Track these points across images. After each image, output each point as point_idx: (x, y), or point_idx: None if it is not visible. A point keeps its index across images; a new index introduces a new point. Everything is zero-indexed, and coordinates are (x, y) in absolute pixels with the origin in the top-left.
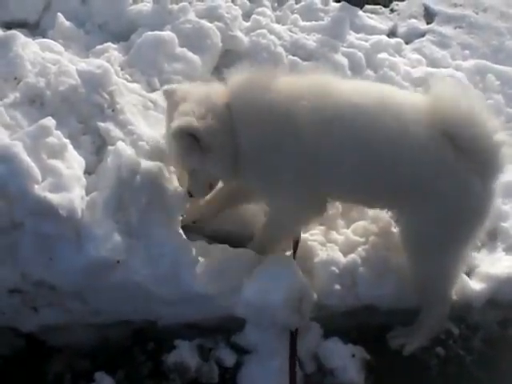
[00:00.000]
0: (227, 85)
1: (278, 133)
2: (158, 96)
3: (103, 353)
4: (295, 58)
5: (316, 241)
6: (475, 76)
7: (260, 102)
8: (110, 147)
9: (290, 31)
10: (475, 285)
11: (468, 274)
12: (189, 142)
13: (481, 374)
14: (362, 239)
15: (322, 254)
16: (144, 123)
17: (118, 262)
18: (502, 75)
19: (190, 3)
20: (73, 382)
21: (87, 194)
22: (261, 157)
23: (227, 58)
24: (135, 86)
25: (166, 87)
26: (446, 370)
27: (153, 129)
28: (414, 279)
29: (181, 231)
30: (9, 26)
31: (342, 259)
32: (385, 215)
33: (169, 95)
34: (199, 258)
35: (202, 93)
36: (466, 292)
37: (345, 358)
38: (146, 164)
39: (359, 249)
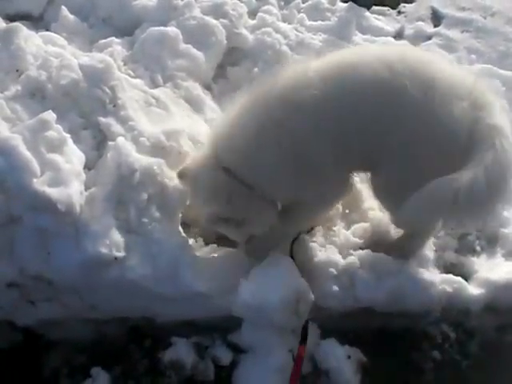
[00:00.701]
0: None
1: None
2: (160, 92)
3: (100, 348)
4: (300, 57)
5: (315, 242)
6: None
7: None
8: (110, 143)
9: (296, 30)
10: (473, 290)
11: (466, 279)
12: None
13: (477, 379)
14: (362, 241)
15: (320, 255)
16: (145, 119)
17: (116, 258)
18: (508, 81)
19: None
20: (69, 376)
21: (86, 189)
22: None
23: (232, 56)
24: (138, 81)
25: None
26: (441, 375)
27: (154, 125)
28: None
29: (180, 229)
30: (12, 18)
31: (341, 261)
32: (385, 217)
33: (182, 175)
34: (198, 257)
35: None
36: (464, 297)
37: (340, 359)
38: (146, 160)
39: (358, 251)
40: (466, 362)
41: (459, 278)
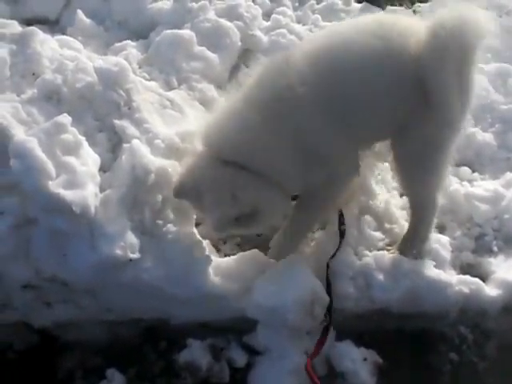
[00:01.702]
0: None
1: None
2: (175, 94)
3: (115, 350)
4: None
5: (331, 242)
6: (497, 80)
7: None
8: (125, 145)
9: (311, 31)
10: (491, 291)
11: (483, 280)
12: None
13: (494, 381)
14: (378, 242)
15: (336, 256)
16: (160, 122)
17: (131, 260)
18: None
19: (209, 2)
20: (84, 378)
21: (101, 191)
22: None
23: (246, 58)
24: (153, 84)
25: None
26: (458, 376)
27: (169, 127)
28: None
29: (195, 230)
30: (29, 22)
31: (357, 261)
32: (401, 218)
33: (180, 192)
34: (212, 258)
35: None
36: (481, 298)
37: (356, 361)
38: (161, 162)
39: (374, 251)
40: (483, 363)
41: (476, 279)
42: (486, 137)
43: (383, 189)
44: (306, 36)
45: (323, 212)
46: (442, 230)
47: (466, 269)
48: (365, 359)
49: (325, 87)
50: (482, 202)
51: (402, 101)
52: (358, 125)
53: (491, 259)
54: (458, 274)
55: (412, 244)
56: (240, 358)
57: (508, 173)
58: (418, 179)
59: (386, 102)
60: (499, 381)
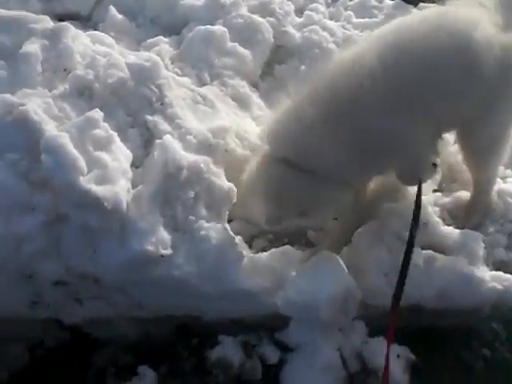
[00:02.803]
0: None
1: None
2: (207, 90)
3: (146, 347)
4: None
5: (365, 239)
6: None
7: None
8: (157, 141)
9: (343, 28)
10: None
11: None
12: None
13: None
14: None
15: (369, 252)
16: (192, 117)
17: (163, 256)
18: None
19: None
20: (116, 375)
21: (133, 187)
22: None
23: (278, 54)
24: (185, 79)
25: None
26: (491, 373)
27: (201, 123)
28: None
29: (227, 226)
30: (61, 18)
31: (389, 258)
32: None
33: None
34: (245, 254)
35: None
36: None
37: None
38: (193, 158)
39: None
40: None
41: (509, 276)
42: None
43: None
44: (340, 33)
45: None
46: (475, 226)
47: (499, 265)
48: (398, 356)
49: (395, 84)
50: None
51: (470, 93)
52: (430, 117)
53: None
54: (491, 270)
55: (477, 213)
56: (272, 355)
57: None
58: (486, 164)
59: (453, 96)
60: None
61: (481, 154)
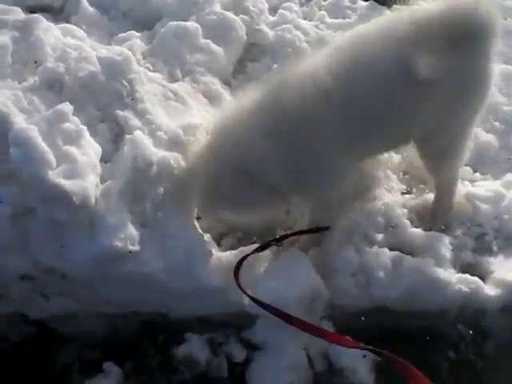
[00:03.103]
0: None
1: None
2: (179, 86)
3: (113, 343)
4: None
5: (333, 239)
6: (500, 81)
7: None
8: (127, 136)
9: (317, 28)
10: (490, 290)
11: (483, 279)
12: None
13: (492, 380)
14: (377, 239)
15: (337, 252)
16: (163, 113)
17: (131, 252)
18: None
19: None
20: (81, 371)
21: (102, 182)
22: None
23: (251, 52)
24: (156, 75)
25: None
26: (457, 375)
27: (172, 119)
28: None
29: (196, 223)
30: (33, 9)
31: (357, 259)
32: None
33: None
34: (213, 252)
35: None
36: (480, 297)
37: (355, 358)
38: (163, 154)
39: (374, 248)
40: (481, 362)
41: (476, 278)
42: (488, 137)
43: None
44: (313, 32)
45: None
46: (442, 229)
47: (465, 268)
48: (364, 356)
49: (350, 103)
50: (483, 201)
51: (426, 106)
52: (380, 138)
53: (491, 259)
54: (458, 272)
55: (440, 215)
56: (239, 353)
57: (509, 174)
58: (446, 169)
59: (408, 111)
60: (497, 379)
61: (440, 160)
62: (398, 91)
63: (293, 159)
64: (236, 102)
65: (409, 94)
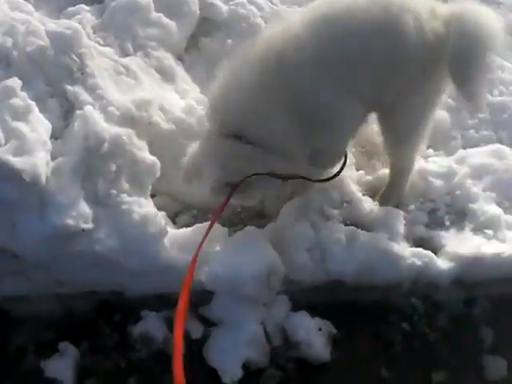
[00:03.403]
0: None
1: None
2: (130, 61)
3: (68, 324)
4: None
5: (288, 215)
6: None
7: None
8: (77, 111)
9: (271, 3)
10: (442, 263)
11: (435, 253)
12: None
13: (444, 351)
14: (333, 214)
15: (293, 228)
16: (115, 88)
17: (83, 230)
18: None
19: None
20: (36, 352)
21: (53, 159)
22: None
23: (204, 27)
24: (107, 50)
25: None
26: (410, 346)
27: (123, 94)
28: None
29: (150, 201)
30: None
31: (313, 234)
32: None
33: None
34: (168, 230)
35: None
36: (433, 270)
37: (311, 331)
38: (115, 130)
39: (329, 222)
40: (434, 334)
41: (428, 252)
42: (441, 114)
43: None
44: (268, 7)
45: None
46: (396, 204)
47: (418, 242)
48: (319, 329)
49: (325, 52)
50: (436, 177)
51: (399, 70)
52: (358, 90)
53: (443, 233)
54: (411, 246)
55: (394, 195)
56: (196, 330)
57: (461, 150)
58: (405, 146)
59: (384, 70)
60: (449, 350)
61: (398, 140)
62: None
63: (303, 114)
64: (229, 70)
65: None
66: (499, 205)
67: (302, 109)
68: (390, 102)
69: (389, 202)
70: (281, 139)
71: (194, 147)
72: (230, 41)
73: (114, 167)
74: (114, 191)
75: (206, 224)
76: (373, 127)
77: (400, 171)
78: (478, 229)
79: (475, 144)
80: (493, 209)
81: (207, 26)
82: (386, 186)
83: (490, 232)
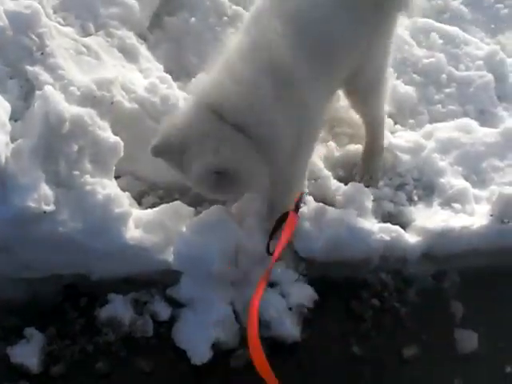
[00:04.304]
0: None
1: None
2: (92, 41)
3: (33, 309)
4: (239, 7)
5: (256, 193)
6: (419, 34)
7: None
8: (38, 92)
9: None
10: (411, 238)
11: (404, 228)
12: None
13: (414, 325)
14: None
15: (259, 206)
16: (76, 68)
17: (45, 212)
18: (445, 35)
19: None
20: (2, 338)
21: (13, 141)
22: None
23: (168, 6)
24: (68, 29)
25: (152, 146)
26: (381, 322)
27: (85, 74)
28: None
29: (114, 181)
30: None
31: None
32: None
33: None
34: (133, 211)
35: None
36: (402, 245)
37: (282, 310)
38: (76, 110)
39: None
40: (404, 308)
41: (397, 227)
42: (407, 89)
43: None
44: None
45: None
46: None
47: (387, 217)
48: (290, 309)
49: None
50: (404, 152)
51: (363, 38)
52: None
53: (411, 208)
54: (380, 222)
55: (377, 148)
56: (164, 311)
57: (428, 125)
58: (375, 103)
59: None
60: (419, 324)
61: (367, 95)
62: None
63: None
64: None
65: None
66: (467, 178)
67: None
68: (357, 61)
69: (374, 157)
70: (281, 139)
71: (174, 118)
72: (193, 19)
73: (75, 148)
74: (76, 172)
75: (173, 204)
76: (339, 104)
77: (377, 122)
78: (446, 203)
79: (442, 119)
80: (460, 183)
81: (171, 4)
82: (365, 146)
83: (457, 206)
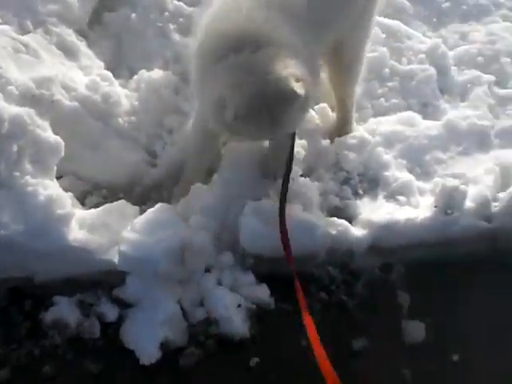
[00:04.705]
0: None
1: None
2: (30, 39)
3: None
4: (180, 3)
5: (201, 187)
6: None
7: None
8: None
9: None
10: (357, 231)
11: (350, 221)
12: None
13: (362, 317)
14: None
15: (205, 203)
16: (14, 67)
17: None
18: (387, 29)
19: None
20: None
21: None
22: None
23: (108, 1)
24: (5, 27)
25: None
26: (329, 315)
27: (23, 73)
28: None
29: (56, 182)
30: None
31: (228, 208)
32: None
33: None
34: (76, 211)
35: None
36: (348, 238)
37: (230, 307)
38: (15, 110)
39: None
40: (352, 301)
41: (343, 221)
42: None
43: None
44: None
45: None
46: (310, 174)
47: (333, 211)
48: (239, 305)
49: None
50: (348, 147)
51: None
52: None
53: (357, 201)
54: (326, 216)
55: (346, 127)
56: (111, 312)
57: (372, 119)
58: (351, 79)
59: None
60: (367, 316)
61: (348, 71)
62: None
63: None
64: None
65: None
66: (411, 171)
67: None
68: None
69: (346, 126)
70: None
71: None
72: (134, 15)
73: (15, 148)
74: (16, 173)
75: (117, 203)
76: None
77: (350, 97)
78: (391, 196)
79: (385, 112)
80: (405, 175)
81: (111, 0)
82: (336, 121)
83: (402, 198)
